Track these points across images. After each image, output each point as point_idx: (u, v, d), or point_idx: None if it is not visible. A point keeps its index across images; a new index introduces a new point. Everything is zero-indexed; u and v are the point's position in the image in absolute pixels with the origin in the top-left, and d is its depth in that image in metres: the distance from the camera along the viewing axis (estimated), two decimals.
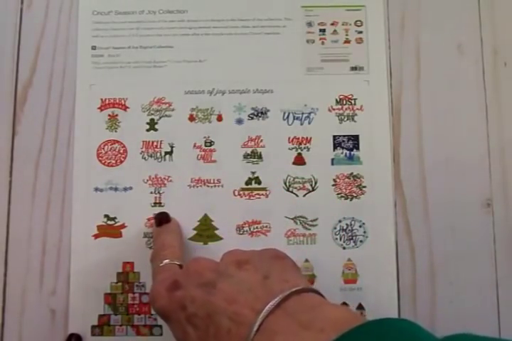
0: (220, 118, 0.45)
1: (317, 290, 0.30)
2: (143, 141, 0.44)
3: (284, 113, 0.45)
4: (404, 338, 0.23)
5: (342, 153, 0.44)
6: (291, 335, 0.25)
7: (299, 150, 0.44)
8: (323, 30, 0.46)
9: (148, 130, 0.45)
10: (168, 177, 0.44)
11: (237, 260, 0.32)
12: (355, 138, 0.44)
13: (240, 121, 0.45)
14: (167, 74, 0.45)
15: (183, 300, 0.30)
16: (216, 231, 0.43)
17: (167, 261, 0.37)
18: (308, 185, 0.44)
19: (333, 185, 0.44)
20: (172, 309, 0.31)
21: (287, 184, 0.44)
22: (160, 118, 0.45)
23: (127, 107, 0.45)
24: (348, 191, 0.44)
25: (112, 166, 0.44)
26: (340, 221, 0.43)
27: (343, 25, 0.46)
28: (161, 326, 0.43)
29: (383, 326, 0.24)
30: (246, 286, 0.29)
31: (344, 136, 0.44)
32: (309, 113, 0.45)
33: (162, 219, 0.41)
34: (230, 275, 0.30)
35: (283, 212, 0.44)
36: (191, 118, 0.45)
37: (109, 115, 0.45)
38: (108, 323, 0.43)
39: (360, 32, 0.46)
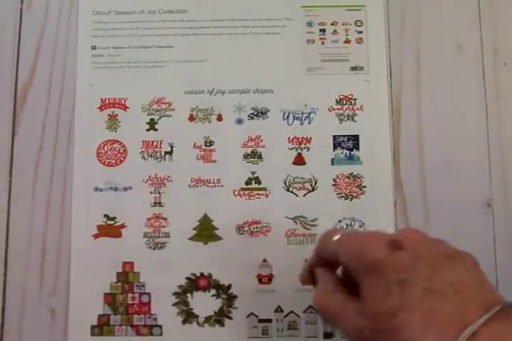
0: (220, 118, 0.45)
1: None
2: (143, 141, 0.44)
3: (284, 113, 0.45)
4: None
5: (342, 153, 0.44)
6: None
7: (299, 150, 0.44)
8: (323, 30, 0.46)
9: (148, 130, 0.45)
10: (168, 177, 0.44)
11: (447, 252, 0.30)
12: (355, 138, 0.44)
13: (239, 121, 0.45)
14: (167, 74, 0.45)
15: (404, 264, 0.27)
16: (216, 231, 0.43)
17: None
18: (308, 185, 0.44)
19: (333, 185, 0.44)
20: (386, 266, 0.27)
21: (287, 184, 0.44)
22: (160, 118, 0.45)
23: (127, 107, 0.45)
24: (348, 191, 0.44)
25: (111, 166, 0.44)
26: (340, 221, 0.43)
27: (343, 25, 0.46)
28: (160, 326, 0.43)
29: None
30: (469, 282, 0.27)
31: (344, 136, 0.44)
32: (309, 113, 0.45)
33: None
34: (450, 264, 0.28)
35: (283, 212, 0.44)
36: (191, 118, 0.45)
37: (109, 115, 0.45)
38: (108, 323, 0.43)
39: (360, 32, 0.46)
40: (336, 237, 0.32)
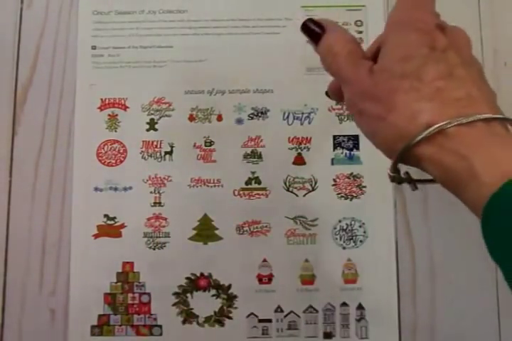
0: (220, 118, 0.45)
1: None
2: (143, 141, 0.44)
3: (284, 113, 0.45)
4: None
5: (342, 153, 0.44)
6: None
7: (299, 150, 0.44)
8: None
9: (148, 130, 0.45)
10: (168, 177, 0.44)
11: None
12: (355, 138, 0.44)
13: (239, 121, 0.45)
14: (167, 74, 0.45)
15: (440, 43, 0.26)
16: (216, 231, 0.43)
17: None
18: (308, 185, 0.44)
19: (333, 185, 0.44)
20: (429, 34, 0.26)
21: (287, 184, 0.44)
22: (160, 118, 0.45)
23: (127, 107, 0.45)
24: (348, 191, 0.44)
25: (111, 166, 0.44)
26: (340, 221, 0.43)
27: (343, 25, 0.46)
28: (160, 326, 0.43)
29: None
30: (484, 88, 0.27)
31: (344, 136, 0.44)
32: (309, 113, 0.45)
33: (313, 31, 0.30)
34: (476, 66, 0.27)
35: (283, 212, 0.44)
36: (191, 118, 0.45)
37: (109, 115, 0.45)
38: (108, 323, 0.43)
39: (360, 32, 0.46)
40: None
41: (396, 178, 0.27)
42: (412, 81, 0.25)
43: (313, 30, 0.30)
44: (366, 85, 0.26)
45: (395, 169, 0.27)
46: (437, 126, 0.23)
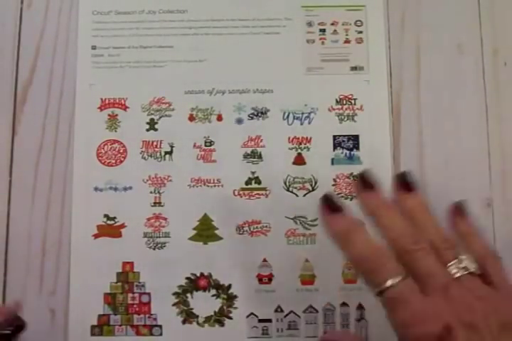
0: (220, 118, 0.45)
1: None
2: (143, 141, 0.44)
3: (284, 113, 0.45)
4: None
5: (342, 153, 0.44)
6: None
7: (299, 150, 0.44)
8: (323, 30, 0.46)
9: (148, 130, 0.45)
10: (168, 177, 0.44)
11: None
12: (355, 138, 0.44)
13: (239, 121, 0.45)
14: (167, 74, 0.45)
15: None
16: (216, 231, 0.43)
17: (396, 280, 0.29)
18: (308, 185, 0.44)
19: (333, 185, 0.44)
20: None
21: (287, 184, 0.44)
22: (160, 118, 0.45)
23: (127, 107, 0.45)
24: (348, 191, 0.44)
25: (111, 166, 0.44)
26: None
27: (343, 25, 0.46)
28: (160, 326, 0.43)
29: None
30: None
31: (344, 136, 0.44)
32: (309, 113, 0.45)
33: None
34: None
35: (283, 212, 0.44)
36: (191, 118, 0.45)
37: (109, 115, 0.45)
38: (108, 323, 0.43)
39: (360, 32, 0.46)
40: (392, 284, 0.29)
41: None
42: None
43: None
44: None
45: None
46: None
